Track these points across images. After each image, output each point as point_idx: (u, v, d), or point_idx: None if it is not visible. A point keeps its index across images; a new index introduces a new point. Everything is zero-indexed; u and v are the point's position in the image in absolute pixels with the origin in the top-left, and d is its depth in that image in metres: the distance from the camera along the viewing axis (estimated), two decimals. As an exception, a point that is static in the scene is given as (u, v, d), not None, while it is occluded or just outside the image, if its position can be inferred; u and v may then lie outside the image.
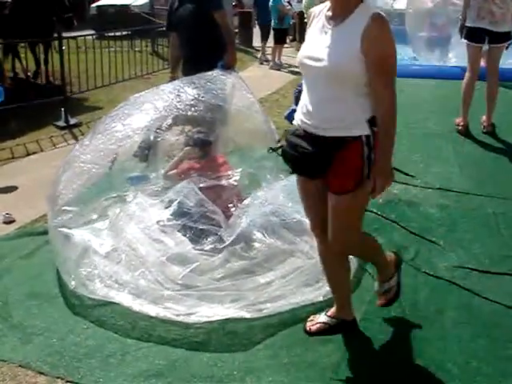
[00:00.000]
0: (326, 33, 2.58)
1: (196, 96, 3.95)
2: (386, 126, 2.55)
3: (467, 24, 5.59)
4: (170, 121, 3.89)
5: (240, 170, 4.21)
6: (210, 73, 4.20)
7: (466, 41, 5.67)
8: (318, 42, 2.59)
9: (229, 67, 4.45)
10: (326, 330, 3.03)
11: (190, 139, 4.25)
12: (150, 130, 3.92)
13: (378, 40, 2.47)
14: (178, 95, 3.96)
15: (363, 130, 2.56)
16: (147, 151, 4.23)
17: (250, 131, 4.37)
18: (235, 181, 4.08)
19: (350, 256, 3.59)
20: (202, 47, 4.66)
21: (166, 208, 3.89)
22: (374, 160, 2.57)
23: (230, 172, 4.13)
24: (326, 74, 2.55)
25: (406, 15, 9.34)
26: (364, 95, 2.56)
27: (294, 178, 4.17)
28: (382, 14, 2.53)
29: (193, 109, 3.92)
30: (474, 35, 5.56)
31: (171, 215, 3.80)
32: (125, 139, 3.69)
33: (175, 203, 3.83)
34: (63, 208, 3.73)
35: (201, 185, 3.91)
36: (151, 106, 3.90)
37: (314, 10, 2.73)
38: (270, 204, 3.86)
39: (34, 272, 3.71)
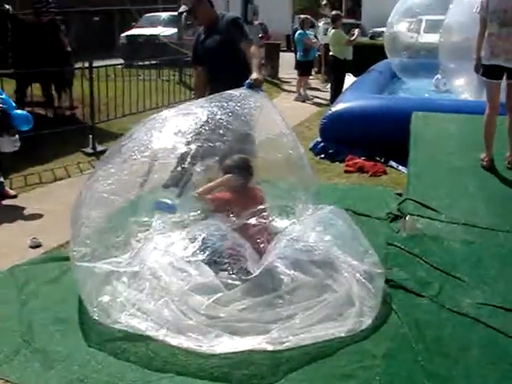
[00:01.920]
0: None
1: (225, 124, 3.89)
2: None
3: (483, 62, 5.61)
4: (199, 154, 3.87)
5: (268, 204, 4.07)
6: (237, 93, 4.15)
7: (483, 78, 5.70)
8: None
9: (256, 86, 4.35)
10: None
11: (230, 166, 4.07)
12: (183, 160, 3.87)
13: None
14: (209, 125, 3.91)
15: None
16: (179, 183, 4.08)
17: (279, 160, 4.30)
18: (266, 217, 3.93)
19: (372, 288, 3.59)
20: (230, 76, 4.68)
21: (190, 243, 3.80)
22: None
23: (260, 206, 3.94)
24: None
25: (439, 47, 9.74)
26: None
27: (327, 210, 4.14)
28: None
29: (223, 138, 3.89)
30: (491, 72, 5.58)
31: (195, 251, 3.73)
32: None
33: (199, 239, 3.75)
34: (85, 241, 3.71)
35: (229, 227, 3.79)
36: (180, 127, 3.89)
37: None
38: (302, 241, 3.76)
39: (59, 297, 3.75)
